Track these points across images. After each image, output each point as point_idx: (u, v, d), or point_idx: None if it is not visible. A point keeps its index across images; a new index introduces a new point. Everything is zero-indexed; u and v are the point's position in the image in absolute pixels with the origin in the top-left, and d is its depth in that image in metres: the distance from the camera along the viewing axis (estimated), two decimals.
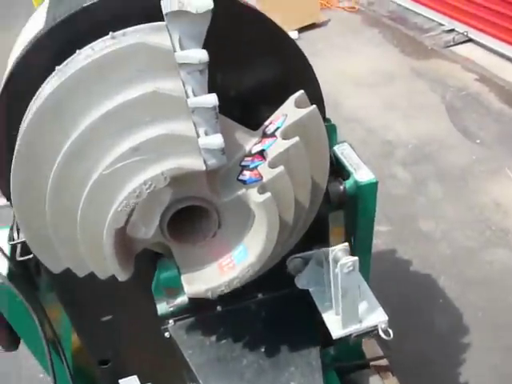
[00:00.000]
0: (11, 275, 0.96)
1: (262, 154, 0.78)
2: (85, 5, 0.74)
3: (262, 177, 0.74)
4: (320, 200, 0.87)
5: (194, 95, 0.71)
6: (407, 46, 4.33)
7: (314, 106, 0.78)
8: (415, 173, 2.86)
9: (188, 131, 0.67)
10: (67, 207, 0.70)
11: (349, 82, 3.70)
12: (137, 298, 0.98)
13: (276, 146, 0.77)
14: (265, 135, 0.80)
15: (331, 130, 0.98)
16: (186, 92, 0.69)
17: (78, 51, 0.71)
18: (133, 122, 0.67)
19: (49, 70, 0.73)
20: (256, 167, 0.76)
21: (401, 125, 3.30)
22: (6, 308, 0.97)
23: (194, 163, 0.68)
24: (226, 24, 0.77)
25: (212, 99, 0.66)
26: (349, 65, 4.02)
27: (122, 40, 0.71)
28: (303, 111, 0.78)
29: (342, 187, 1.04)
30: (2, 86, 0.79)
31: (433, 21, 4.64)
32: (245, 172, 0.77)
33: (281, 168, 0.73)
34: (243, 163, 0.78)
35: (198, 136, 0.68)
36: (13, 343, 1.04)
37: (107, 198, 0.68)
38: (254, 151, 0.79)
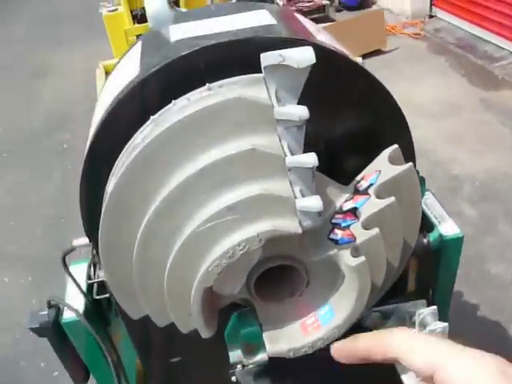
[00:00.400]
0: (87, 312, 0.96)
1: (354, 212, 0.74)
2: (183, 53, 0.74)
3: (354, 238, 0.71)
4: (408, 257, 0.83)
5: (290, 151, 0.69)
6: (475, 76, 4.20)
7: (411, 163, 0.74)
8: (483, 211, 2.75)
9: (284, 191, 0.65)
10: (155, 260, 0.69)
11: (413, 112, 3.61)
12: (208, 342, 0.96)
13: (370, 205, 0.73)
14: (357, 191, 0.77)
15: (420, 182, 0.94)
16: (282, 148, 0.67)
17: (173, 101, 0.71)
18: (229, 179, 0.65)
19: (140, 121, 0.72)
20: (348, 226, 0.73)
21: (468, 159, 3.18)
22: (83, 344, 0.97)
23: (290, 225, 0.65)
24: (322, 76, 0.75)
25: (311, 159, 0.64)
26: (414, 93, 3.94)
27: (218, 92, 0.70)
28: (399, 168, 0.74)
29: (425, 240, 0.99)
30: (97, 128, 0.79)
31: (504, 49, 4.49)
32: (336, 231, 0.73)
33: (376, 230, 0.70)
34: (334, 220, 0.75)
35: (295, 196, 0.65)
36: (85, 378, 1.05)
37: (198, 255, 0.66)
38: (345, 208, 0.75)
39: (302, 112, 0.64)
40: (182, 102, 0.70)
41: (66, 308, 0.98)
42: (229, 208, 0.64)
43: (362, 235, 0.70)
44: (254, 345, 0.83)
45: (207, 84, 0.70)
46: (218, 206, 0.65)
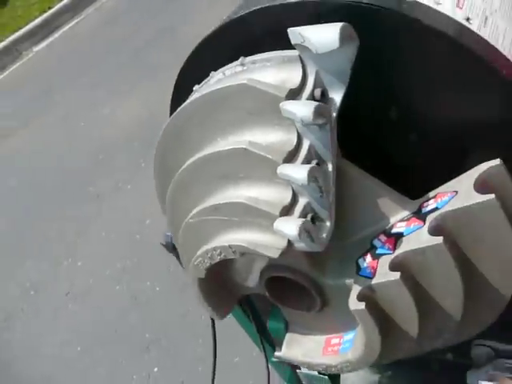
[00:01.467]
0: None
1: (397, 238, 0.58)
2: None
3: (374, 274, 0.56)
4: (500, 307, 0.62)
5: (316, 153, 0.56)
6: None
7: (493, 196, 0.53)
8: None
9: (269, 204, 0.54)
10: (177, 208, 0.67)
11: None
12: None
13: (414, 237, 0.56)
14: (418, 212, 0.59)
15: None
16: (298, 147, 0.55)
17: (211, 73, 0.64)
18: (226, 176, 0.58)
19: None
20: (381, 255, 0.58)
21: None
22: None
23: (268, 245, 0.55)
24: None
25: (301, 176, 0.51)
26: None
27: (250, 68, 0.60)
28: (476, 198, 0.54)
29: None
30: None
31: None
32: (368, 256, 0.59)
33: (396, 276, 0.53)
34: (374, 242, 0.60)
35: (303, 213, 0.54)
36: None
37: (191, 245, 0.62)
38: (393, 231, 0.59)
39: (305, 112, 0.51)
40: (218, 76, 0.63)
41: None
42: (215, 208, 0.57)
43: (381, 275, 0.55)
44: (281, 341, 0.76)
45: (241, 58, 0.61)
46: (209, 203, 0.58)
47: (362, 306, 0.54)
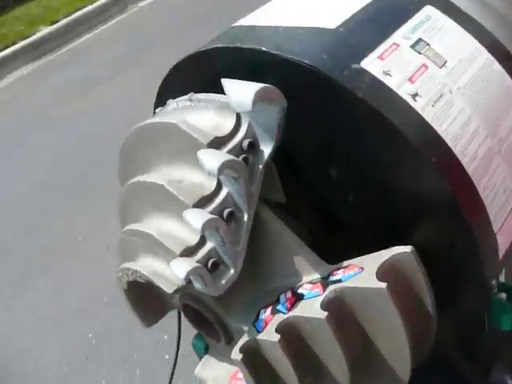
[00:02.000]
0: None
1: (298, 299, 0.58)
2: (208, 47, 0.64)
3: (264, 328, 0.57)
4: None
5: (234, 202, 0.57)
6: None
7: (384, 286, 0.51)
8: None
9: (173, 242, 0.56)
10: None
11: None
12: None
13: (309, 304, 0.56)
14: (326, 278, 0.58)
15: (497, 307, 0.61)
16: (215, 194, 0.57)
17: (168, 101, 0.66)
18: (152, 204, 0.60)
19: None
20: (278, 312, 0.58)
21: None
22: None
23: (166, 280, 0.57)
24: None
25: (197, 224, 0.52)
26: None
27: (194, 106, 0.61)
28: (372, 283, 0.53)
29: None
30: None
31: None
32: (267, 310, 0.60)
33: (276, 338, 0.54)
34: (281, 297, 0.60)
35: (207, 257, 0.56)
36: None
37: (119, 257, 0.66)
38: (299, 290, 0.59)
39: (213, 164, 0.52)
40: (172, 106, 0.65)
41: None
42: (133, 232, 0.61)
43: (266, 333, 0.57)
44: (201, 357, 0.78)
45: (190, 94, 0.62)
46: (132, 226, 0.62)
47: (239, 356, 0.56)
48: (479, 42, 0.63)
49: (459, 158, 0.55)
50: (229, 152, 0.56)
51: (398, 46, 0.59)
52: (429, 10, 0.64)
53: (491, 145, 0.58)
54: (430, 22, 0.62)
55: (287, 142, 0.59)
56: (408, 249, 0.54)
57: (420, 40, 0.60)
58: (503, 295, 0.61)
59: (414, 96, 0.55)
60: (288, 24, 0.64)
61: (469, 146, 0.56)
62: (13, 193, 3.21)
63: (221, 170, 0.53)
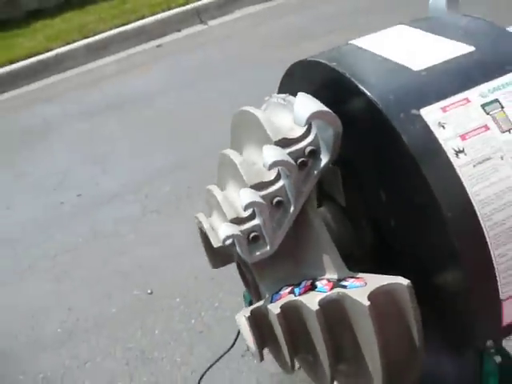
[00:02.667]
0: None
1: (311, 288, 0.68)
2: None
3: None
4: None
5: (286, 194, 0.69)
6: None
7: (367, 304, 0.59)
8: None
9: (234, 209, 0.71)
10: None
11: None
12: None
13: (313, 295, 0.66)
14: (340, 281, 0.67)
15: (487, 369, 0.63)
16: (272, 183, 0.69)
17: (273, 95, 0.78)
18: (226, 172, 0.75)
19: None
20: (292, 292, 0.69)
21: None
22: None
23: (216, 236, 0.72)
24: None
25: (244, 201, 0.65)
26: None
27: (286, 105, 0.73)
28: (362, 300, 0.61)
29: None
30: None
31: None
32: (287, 289, 0.71)
33: (276, 311, 0.66)
34: (302, 282, 0.71)
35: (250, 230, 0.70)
36: None
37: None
38: (315, 282, 0.69)
39: (267, 159, 0.64)
40: (273, 99, 0.77)
41: None
42: (213, 194, 0.76)
43: (273, 305, 0.69)
44: None
45: (286, 94, 0.74)
46: (214, 188, 0.78)
47: (247, 314, 0.69)
48: None
49: (481, 220, 0.58)
50: (292, 153, 0.67)
51: (468, 101, 0.62)
52: None
53: None
54: None
55: (351, 156, 0.68)
56: (405, 282, 0.61)
57: (495, 101, 0.62)
58: (498, 358, 0.63)
59: (459, 152, 0.60)
60: (386, 54, 0.70)
61: (499, 212, 0.59)
62: None
63: (272, 165, 0.65)
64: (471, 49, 0.68)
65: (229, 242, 0.69)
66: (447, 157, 0.59)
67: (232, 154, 0.75)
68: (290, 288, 0.72)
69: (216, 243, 0.73)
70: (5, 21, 5.47)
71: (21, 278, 2.70)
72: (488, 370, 0.64)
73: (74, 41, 4.83)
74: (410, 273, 0.63)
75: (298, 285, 0.72)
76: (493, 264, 0.59)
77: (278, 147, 0.67)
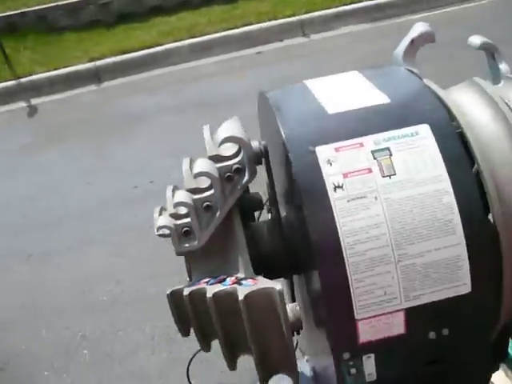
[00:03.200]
0: None
1: (220, 281, 0.81)
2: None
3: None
4: None
5: (215, 200, 0.82)
6: None
7: (241, 298, 0.72)
8: None
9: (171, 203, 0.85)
10: None
11: None
12: None
13: (219, 286, 0.79)
14: (244, 279, 0.79)
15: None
16: (206, 188, 0.83)
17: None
18: None
19: None
20: (208, 284, 0.82)
21: None
22: None
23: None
24: None
25: (175, 200, 0.80)
26: None
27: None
28: (240, 295, 0.73)
29: None
30: None
31: None
32: (206, 279, 0.84)
33: (186, 292, 0.79)
34: (219, 274, 0.84)
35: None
36: None
37: None
38: (230, 277, 0.82)
39: (194, 169, 0.78)
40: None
41: None
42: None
43: (187, 288, 0.82)
44: None
45: None
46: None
47: (187, 292, 0.82)
48: (449, 172, 0.70)
49: (343, 247, 0.68)
50: (221, 168, 0.81)
51: (362, 146, 0.72)
52: (422, 129, 0.73)
53: (389, 254, 0.69)
54: (413, 138, 0.72)
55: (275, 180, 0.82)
56: (278, 287, 0.72)
57: (386, 149, 0.72)
58: (353, 371, 0.73)
59: (337, 187, 0.70)
60: (319, 96, 0.81)
61: (362, 243, 0.69)
62: None
63: (196, 174, 0.79)
64: (387, 101, 0.77)
65: (162, 231, 0.83)
66: (326, 190, 0.70)
67: (184, 161, 0.89)
68: (208, 279, 0.85)
69: (156, 231, 0.88)
70: (130, 14, 6.01)
71: (85, 246, 3.04)
72: (345, 380, 0.73)
73: (182, 39, 5.21)
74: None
75: (216, 277, 0.85)
76: (349, 285, 0.69)
77: (209, 161, 0.81)
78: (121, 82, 5.09)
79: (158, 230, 0.84)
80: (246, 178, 0.80)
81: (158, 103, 4.56)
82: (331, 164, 0.72)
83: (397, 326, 0.71)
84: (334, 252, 0.69)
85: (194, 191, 0.84)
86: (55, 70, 5.05)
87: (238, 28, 5.24)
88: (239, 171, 0.81)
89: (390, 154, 0.72)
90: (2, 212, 3.42)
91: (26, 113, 4.77)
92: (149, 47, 5.15)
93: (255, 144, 0.79)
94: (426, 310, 0.71)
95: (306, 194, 0.70)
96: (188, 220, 0.84)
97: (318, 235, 0.69)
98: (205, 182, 0.84)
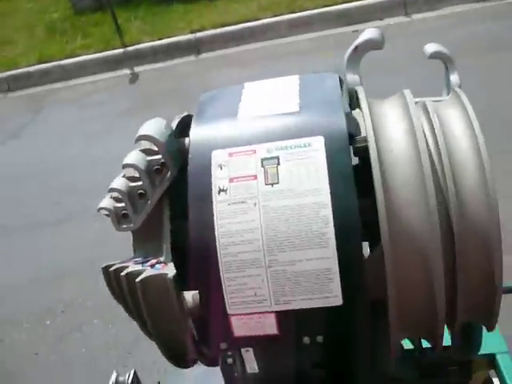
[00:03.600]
0: None
1: (142, 263, 0.89)
2: None
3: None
4: None
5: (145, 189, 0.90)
6: None
7: (137, 281, 0.79)
8: None
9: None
10: None
11: None
12: None
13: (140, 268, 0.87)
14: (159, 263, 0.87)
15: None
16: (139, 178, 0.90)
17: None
18: None
19: None
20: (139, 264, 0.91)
21: None
22: None
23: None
24: None
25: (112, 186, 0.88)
26: None
27: None
28: (137, 278, 0.81)
29: None
30: None
31: None
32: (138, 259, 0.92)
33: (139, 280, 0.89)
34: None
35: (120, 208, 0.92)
36: None
37: None
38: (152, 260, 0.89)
39: (124, 160, 0.86)
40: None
41: None
42: None
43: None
44: None
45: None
46: None
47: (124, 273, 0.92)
48: (332, 186, 0.71)
49: (218, 246, 0.73)
50: (151, 160, 0.88)
51: (254, 153, 0.75)
52: (316, 140, 0.74)
53: (260, 258, 0.72)
54: (304, 148, 0.74)
55: None
56: (171, 274, 0.78)
57: (275, 158, 0.74)
58: (230, 360, 0.78)
59: (221, 191, 0.74)
60: (244, 100, 0.85)
61: (235, 245, 0.73)
62: None
63: (124, 165, 0.87)
64: (296, 109, 0.79)
65: (103, 212, 0.93)
66: (210, 192, 0.75)
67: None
68: (138, 259, 0.94)
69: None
70: None
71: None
72: (225, 368, 0.79)
73: (281, 14, 5.23)
74: None
75: (148, 259, 0.93)
76: (221, 282, 0.74)
77: (140, 153, 0.88)
78: (218, 55, 5.25)
79: (98, 211, 0.94)
80: (172, 171, 0.87)
81: (247, 77, 4.64)
82: (221, 168, 0.76)
83: (269, 327, 0.75)
84: (210, 250, 0.74)
85: (131, 179, 0.92)
86: (159, 39, 5.34)
87: (337, 5, 5.14)
88: (165, 165, 0.88)
89: (278, 164, 0.74)
90: (90, 171, 3.75)
91: (128, 79, 5.11)
92: (247, 21, 5.24)
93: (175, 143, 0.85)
94: (297, 315, 0.74)
95: (192, 194, 0.76)
96: (124, 204, 0.93)
97: (197, 232, 0.74)
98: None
